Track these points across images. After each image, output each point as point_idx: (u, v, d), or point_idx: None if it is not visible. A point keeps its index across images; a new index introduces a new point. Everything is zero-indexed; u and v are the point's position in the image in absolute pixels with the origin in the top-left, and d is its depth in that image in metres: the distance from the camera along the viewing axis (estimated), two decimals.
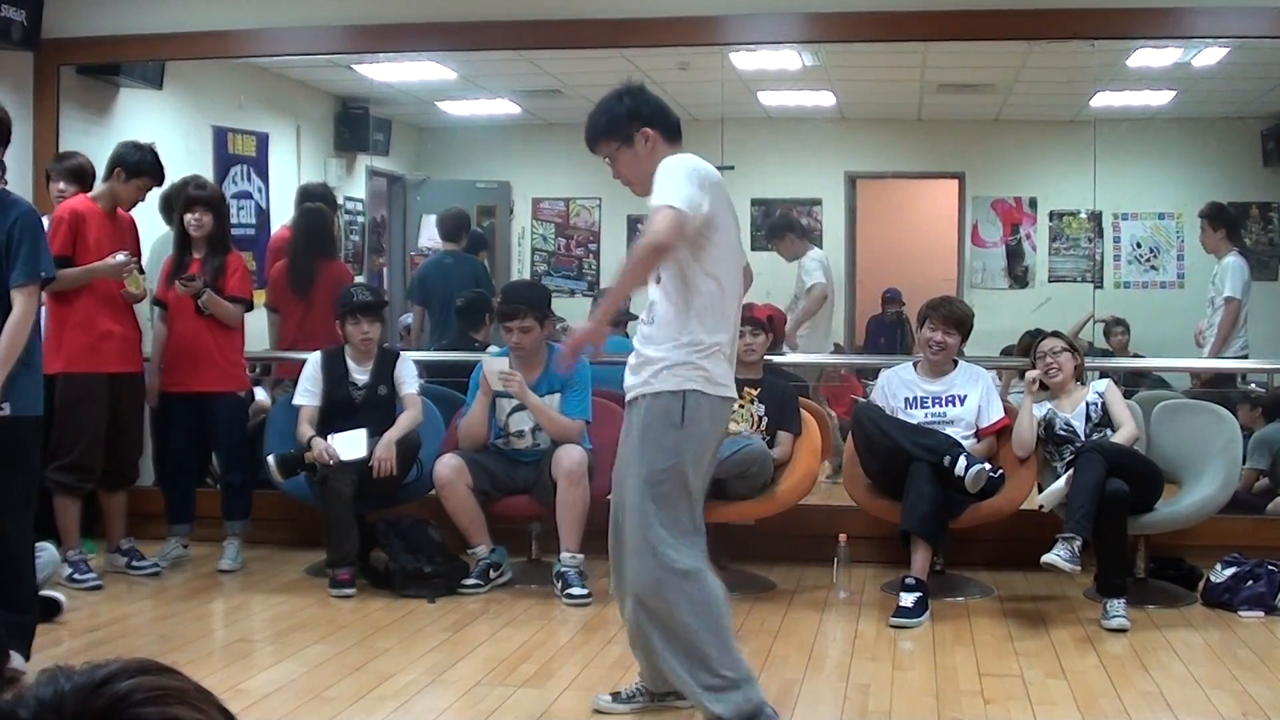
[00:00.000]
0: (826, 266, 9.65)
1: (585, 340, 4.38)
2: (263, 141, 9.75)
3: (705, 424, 4.33)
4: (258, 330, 7.97)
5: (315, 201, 8.58)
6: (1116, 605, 5.86)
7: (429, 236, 11.06)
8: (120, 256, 6.50)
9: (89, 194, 6.80)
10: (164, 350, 7.10)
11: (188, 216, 7.02)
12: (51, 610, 5.78)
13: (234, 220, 8.33)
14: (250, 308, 7.29)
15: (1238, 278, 8.16)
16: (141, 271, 6.84)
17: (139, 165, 6.65)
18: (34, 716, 1.26)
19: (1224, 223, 8.48)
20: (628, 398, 4.40)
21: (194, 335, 7.00)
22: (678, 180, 4.18)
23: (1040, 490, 6.40)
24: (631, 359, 4.39)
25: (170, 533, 7.20)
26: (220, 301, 6.98)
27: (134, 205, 6.79)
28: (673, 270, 4.25)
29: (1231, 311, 8.11)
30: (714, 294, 4.28)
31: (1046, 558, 5.87)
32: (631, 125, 4.44)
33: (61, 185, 7.01)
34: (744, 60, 9.12)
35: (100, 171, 6.85)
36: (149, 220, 7.41)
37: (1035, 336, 7.11)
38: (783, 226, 10.27)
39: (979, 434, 6.66)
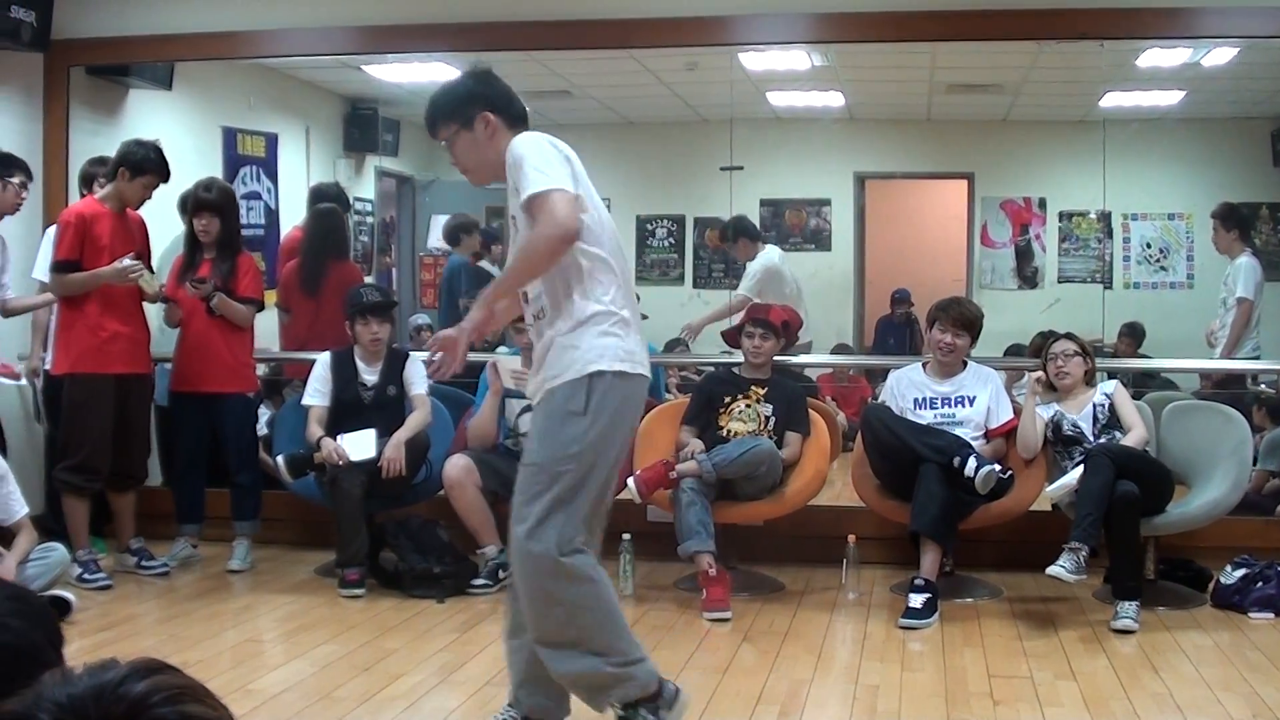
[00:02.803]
0: (770, 270, 9.68)
1: (469, 336, 3.97)
2: (272, 142, 9.77)
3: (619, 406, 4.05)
4: (267, 330, 7.97)
5: (328, 202, 8.57)
6: (1128, 607, 5.85)
7: (438, 237, 11.09)
8: (125, 261, 6.52)
9: (96, 195, 6.82)
10: (176, 346, 7.12)
11: (195, 221, 7.04)
12: (61, 610, 5.79)
13: (243, 221, 8.33)
14: (261, 308, 7.30)
15: (1250, 278, 8.14)
16: (152, 271, 6.86)
17: (143, 163, 6.64)
18: None
19: (1236, 223, 8.45)
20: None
21: (204, 335, 7.01)
22: (549, 160, 3.89)
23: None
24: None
25: (180, 533, 7.22)
26: (231, 303, 6.99)
27: (141, 203, 6.78)
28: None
29: (1244, 312, 8.09)
30: (603, 267, 4.00)
31: (1051, 570, 5.86)
32: (472, 108, 4.14)
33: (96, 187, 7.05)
34: (753, 60, 9.12)
35: None
36: (165, 220, 7.43)
37: (1048, 337, 7.10)
38: (736, 230, 10.29)
39: (988, 435, 6.66)
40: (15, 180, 6.75)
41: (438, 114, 4.22)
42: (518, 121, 4.17)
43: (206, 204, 7.03)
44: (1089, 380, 6.66)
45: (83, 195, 7.17)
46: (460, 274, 9.48)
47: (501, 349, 7.38)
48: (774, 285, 9.56)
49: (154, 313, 7.15)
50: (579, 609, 3.95)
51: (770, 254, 9.95)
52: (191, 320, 7.04)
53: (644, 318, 4.34)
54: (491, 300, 4.06)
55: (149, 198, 6.78)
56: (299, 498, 7.08)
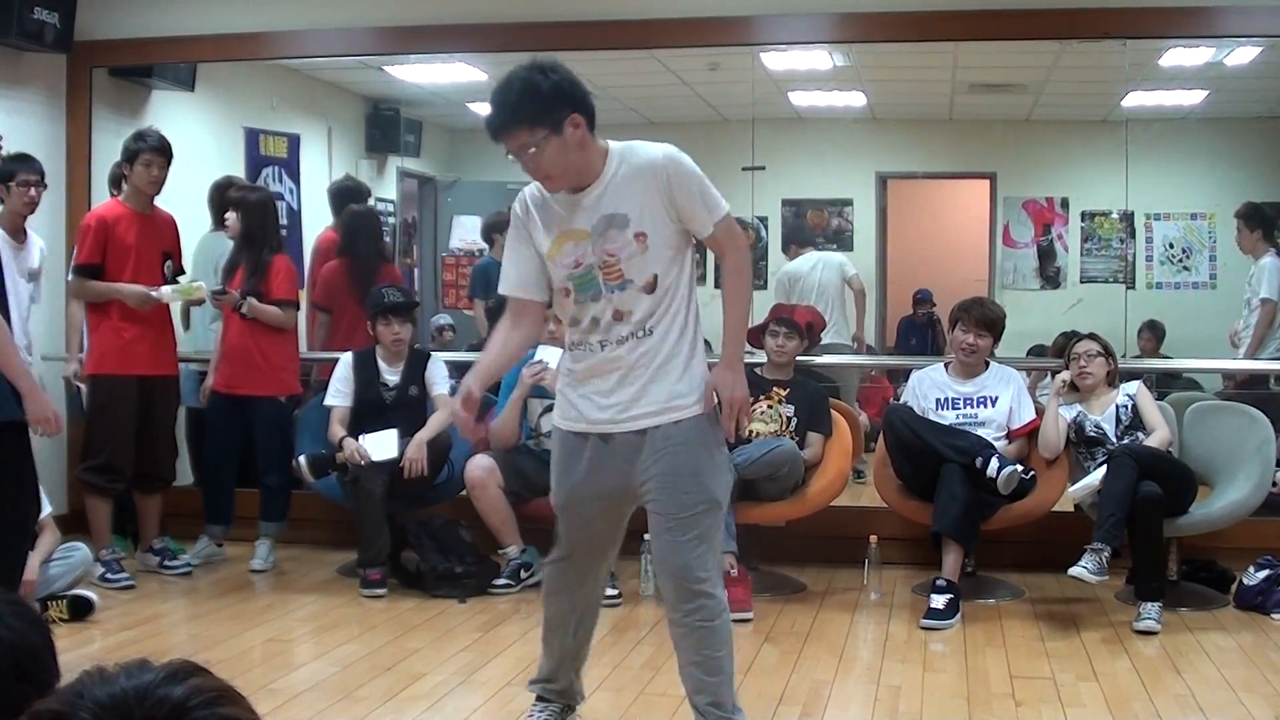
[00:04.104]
0: (791, 275, 9.91)
1: (743, 405, 3.93)
2: (294, 143, 9.79)
3: None
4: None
5: (359, 202, 8.59)
6: (1150, 609, 5.84)
7: (460, 237, 11.10)
8: (152, 294, 6.56)
9: (119, 196, 6.84)
10: (218, 350, 7.14)
11: (225, 217, 7.12)
12: (84, 609, 5.82)
13: None
14: (297, 308, 7.31)
15: (1274, 279, 8.09)
16: (182, 270, 6.88)
17: (134, 149, 6.67)
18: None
19: (1260, 223, 8.41)
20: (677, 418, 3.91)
21: (240, 338, 7.03)
22: (707, 181, 3.87)
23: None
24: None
25: (205, 532, 7.24)
26: (262, 307, 7.00)
27: (155, 186, 6.72)
28: (678, 275, 3.91)
29: (1268, 313, 8.04)
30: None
31: (1073, 571, 5.84)
32: (560, 110, 3.75)
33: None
34: (775, 60, 9.12)
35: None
36: (196, 218, 7.48)
37: (1071, 337, 7.08)
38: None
39: (1010, 435, 6.65)
40: (13, 183, 6.57)
41: (520, 117, 3.77)
42: (594, 121, 3.85)
43: (232, 201, 7.10)
44: (1111, 381, 6.64)
45: (113, 196, 7.18)
46: (486, 272, 9.42)
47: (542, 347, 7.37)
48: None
49: (192, 315, 7.20)
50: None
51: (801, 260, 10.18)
52: (229, 323, 7.06)
53: None
54: (742, 351, 4.02)
55: (161, 179, 6.73)
56: (322, 498, 7.10)
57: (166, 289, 6.64)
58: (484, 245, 9.89)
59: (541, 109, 3.75)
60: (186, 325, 7.73)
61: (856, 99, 11.21)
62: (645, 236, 3.83)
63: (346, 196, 8.68)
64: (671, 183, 3.82)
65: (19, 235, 6.71)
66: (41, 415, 4.65)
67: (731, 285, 3.98)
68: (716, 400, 3.92)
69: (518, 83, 3.78)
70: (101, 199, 7.38)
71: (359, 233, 8.19)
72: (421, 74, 9.81)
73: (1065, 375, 6.64)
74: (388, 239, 10.88)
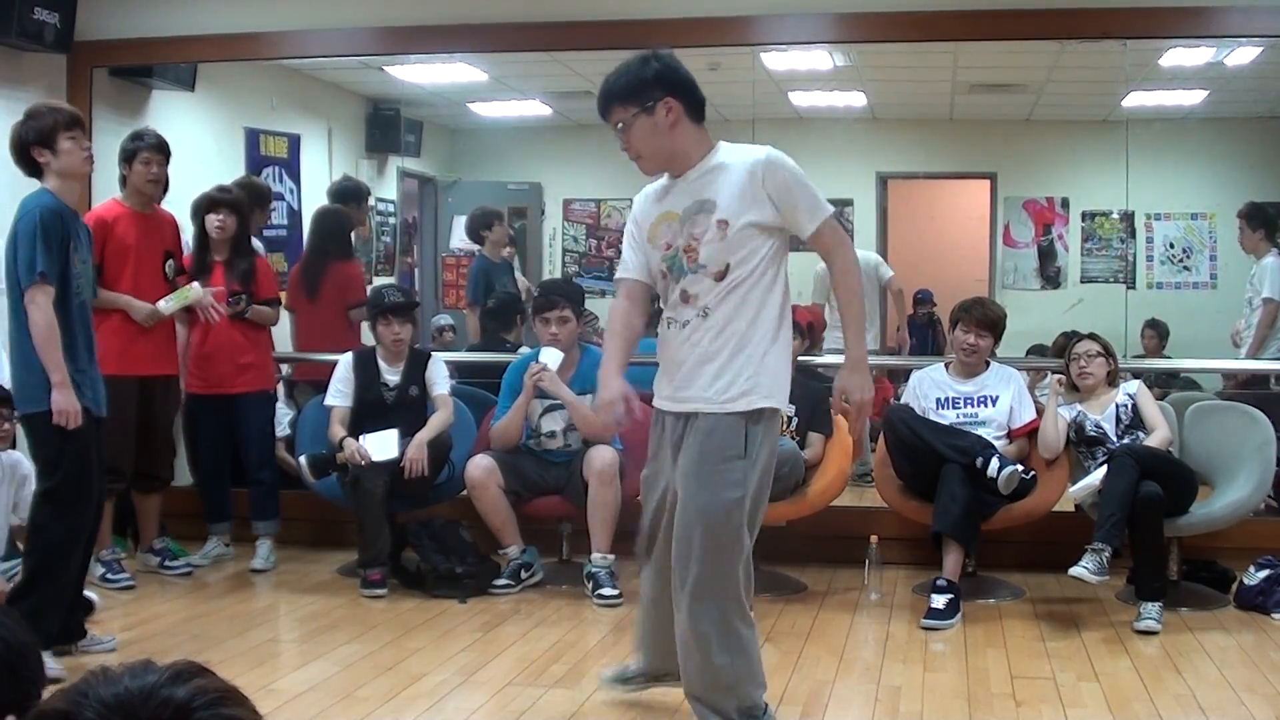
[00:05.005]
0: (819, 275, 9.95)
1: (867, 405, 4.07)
2: (294, 143, 9.79)
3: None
4: (279, 332, 7.94)
5: (335, 202, 8.62)
6: (1151, 609, 5.83)
7: (460, 238, 11.10)
8: (149, 306, 6.55)
9: (118, 197, 6.82)
10: (188, 351, 7.12)
11: (209, 218, 7.04)
12: (85, 610, 5.81)
13: (266, 221, 8.32)
14: (280, 304, 7.34)
15: (1277, 279, 8.09)
16: (183, 270, 6.86)
17: (131, 148, 6.64)
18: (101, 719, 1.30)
19: (1263, 223, 8.41)
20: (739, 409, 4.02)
21: (221, 337, 7.02)
22: (807, 182, 4.04)
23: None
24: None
25: (211, 532, 7.25)
26: (261, 310, 7.09)
27: (154, 184, 6.66)
28: (767, 270, 4.01)
29: (1270, 313, 8.04)
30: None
31: (1074, 571, 5.84)
32: (654, 91, 4.02)
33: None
34: (775, 60, 9.12)
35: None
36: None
37: (1071, 337, 7.07)
38: None
39: (1011, 435, 6.64)
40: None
41: (615, 95, 4.07)
42: (699, 113, 4.11)
43: (223, 202, 7.06)
44: (1112, 381, 6.63)
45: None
46: (486, 273, 9.39)
47: (525, 349, 7.37)
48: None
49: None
50: None
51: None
52: (208, 323, 7.04)
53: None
54: (864, 350, 4.11)
55: (160, 176, 6.67)
56: (317, 497, 7.09)
57: (163, 302, 6.62)
58: (475, 246, 9.88)
59: (637, 89, 4.03)
60: None
61: (857, 99, 11.21)
62: (726, 225, 3.97)
63: (346, 197, 8.69)
64: (768, 181, 3.97)
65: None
66: (59, 408, 5.12)
67: (845, 284, 4.10)
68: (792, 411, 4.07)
69: (624, 65, 4.10)
70: (103, 199, 7.36)
71: (311, 234, 8.29)
72: (421, 74, 9.82)
73: (1058, 375, 6.66)
74: (386, 239, 10.89)
